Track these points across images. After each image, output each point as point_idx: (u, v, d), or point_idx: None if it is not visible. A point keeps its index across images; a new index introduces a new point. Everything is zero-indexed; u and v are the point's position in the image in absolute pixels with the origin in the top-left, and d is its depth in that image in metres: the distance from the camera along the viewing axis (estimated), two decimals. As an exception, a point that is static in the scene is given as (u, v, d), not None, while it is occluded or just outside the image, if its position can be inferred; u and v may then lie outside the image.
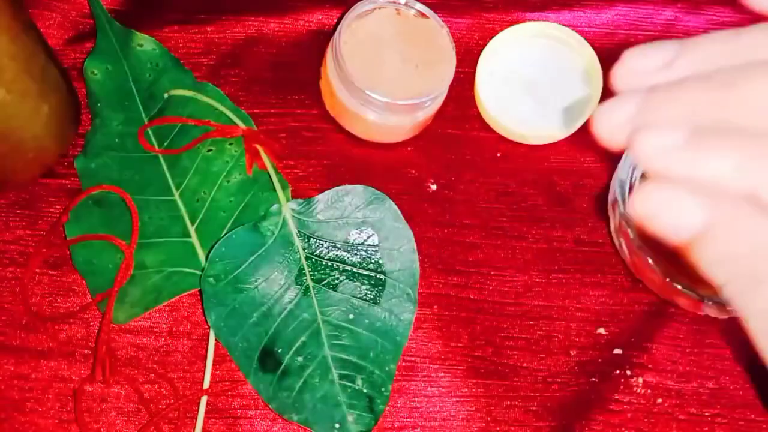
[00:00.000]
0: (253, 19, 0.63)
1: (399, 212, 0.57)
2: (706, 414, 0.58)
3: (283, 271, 0.56)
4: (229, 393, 0.56)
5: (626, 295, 0.60)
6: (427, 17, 0.59)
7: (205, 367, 0.55)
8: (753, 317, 0.28)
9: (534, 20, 0.64)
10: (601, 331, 0.59)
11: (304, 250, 0.56)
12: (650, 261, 0.55)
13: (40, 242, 0.57)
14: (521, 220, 0.61)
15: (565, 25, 0.64)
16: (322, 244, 0.56)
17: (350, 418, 0.54)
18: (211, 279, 0.55)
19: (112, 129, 0.59)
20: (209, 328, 0.55)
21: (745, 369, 0.58)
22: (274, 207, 0.57)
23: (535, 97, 0.63)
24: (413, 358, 0.57)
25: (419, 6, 0.59)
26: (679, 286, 0.54)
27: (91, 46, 0.61)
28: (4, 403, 0.54)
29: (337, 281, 0.56)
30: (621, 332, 0.59)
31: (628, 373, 0.58)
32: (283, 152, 0.61)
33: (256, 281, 0.55)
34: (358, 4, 0.58)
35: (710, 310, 0.55)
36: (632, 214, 0.29)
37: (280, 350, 0.55)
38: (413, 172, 0.61)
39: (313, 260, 0.56)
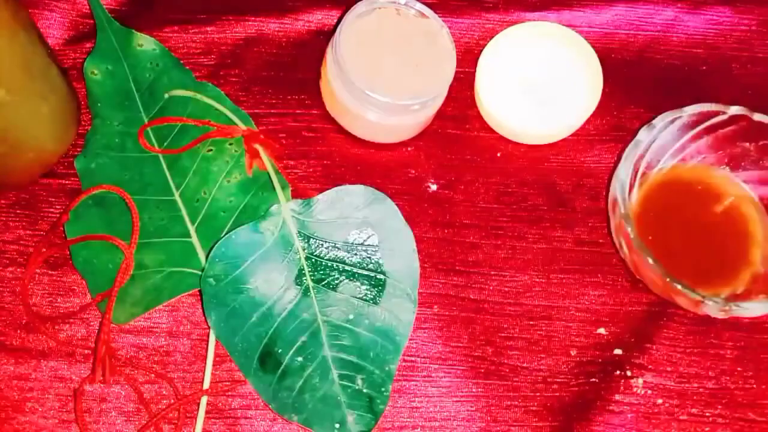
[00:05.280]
0: (253, 19, 0.63)
1: (399, 212, 0.57)
2: (707, 414, 0.58)
3: (283, 271, 0.56)
4: (229, 393, 0.56)
5: (626, 295, 0.60)
6: (427, 17, 0.59)
7: (205, 367, 0.55)
8: None
9: (534, 20, 0.64)
10: (601, 331, 0.59)
11: (304, 250, 0.56)
12: (650, 261, 0.55)
13: (40, 242, 0.57)
14: (521, 220, 0.61)
15: (565, 25, 0.64)
16: (322, 245, 0.56)
17: (350, 418, 0.54)
18: (211, 279, 0.55)
19: (112, 129, 0.59)
20: (209, 328, 0.55)
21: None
22: (274, 207, 0.57)
23: (535, 97, 0.63)
24: (413, 358, 0.57)
25: (419, 6, 0.59)
26: (679, 286, 0.54)
27: (91, 46, 0.61)
28: (4, 403, 0.54)
29: (337, 281, 0.56)
30: (621, 332, 0.59)
31: (629, 373, 0.58)
32: (283, 152, 0.61)
33: (256, 281, 0.55)
34: (358, 4, 0.58)
35: (710, 310, 0.55)
36: None
37: (280, 350, 0.55)
38: (413, 172, 0.61)
39: (313, 260, 0.56)
